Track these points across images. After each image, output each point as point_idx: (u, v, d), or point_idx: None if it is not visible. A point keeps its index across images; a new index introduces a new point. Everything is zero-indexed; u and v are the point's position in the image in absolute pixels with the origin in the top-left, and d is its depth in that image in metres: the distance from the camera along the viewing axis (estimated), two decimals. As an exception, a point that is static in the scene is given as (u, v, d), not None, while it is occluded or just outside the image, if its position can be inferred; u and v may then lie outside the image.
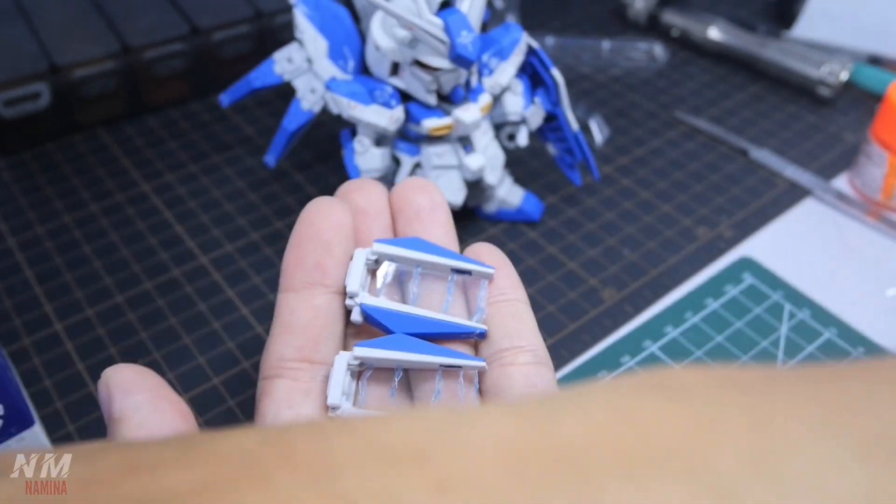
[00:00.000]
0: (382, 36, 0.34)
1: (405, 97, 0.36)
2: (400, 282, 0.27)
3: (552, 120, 0.40)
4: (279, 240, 0.40)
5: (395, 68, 0.36)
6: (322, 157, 0.45)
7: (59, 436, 0.31)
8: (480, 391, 0.25)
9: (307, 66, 0.38)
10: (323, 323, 0.25)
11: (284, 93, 0.41)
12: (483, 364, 0.25)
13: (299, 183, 0.44)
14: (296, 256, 0.25)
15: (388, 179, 0.38)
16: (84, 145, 0.46)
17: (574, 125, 0.40)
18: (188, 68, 0.48)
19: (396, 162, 0.38)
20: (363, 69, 0.37)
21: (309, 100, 0.38)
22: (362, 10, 0.36)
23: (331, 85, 0.36)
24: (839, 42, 0.54)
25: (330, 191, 0.43)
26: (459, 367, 0.25)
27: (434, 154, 0.37)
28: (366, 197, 0.28)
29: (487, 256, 0.27)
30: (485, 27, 0.38)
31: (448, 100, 0.36)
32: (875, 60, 0.53)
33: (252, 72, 0.40)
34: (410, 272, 0.27)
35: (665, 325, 0.36)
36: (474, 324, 0.26)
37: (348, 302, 0.25)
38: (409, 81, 0.35)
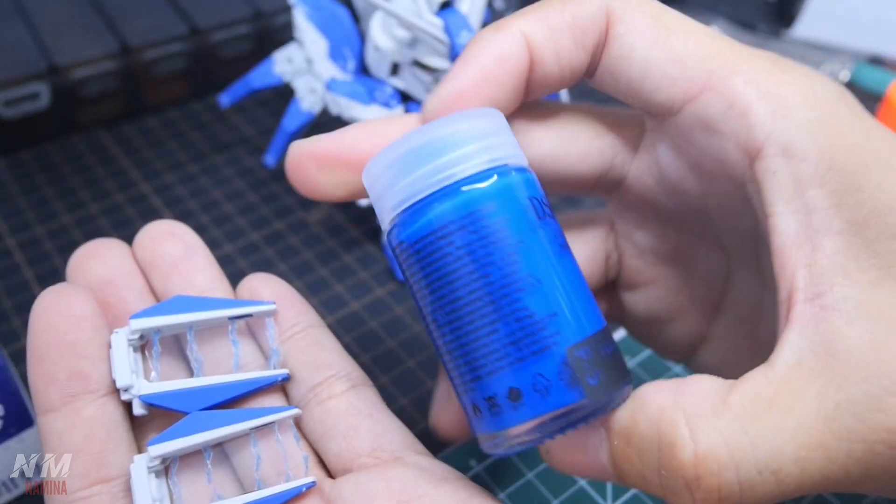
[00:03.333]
0: (382, 36, 0.34)
1: (405, 97, 0.36)
2: (179, 349, 0.24)
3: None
4: (279, 240, 0.40)
5: (395, 68, 0.36)
6: (322, 157, 0.45)
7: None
8: (304, 437, 0.23)
9: (307, 67, 0.38)
10: (103, 435, 0.22)
11: (284, 93, 0.41)
12: (296, 411, 0.23)
13: (299, 183, 0.44)
14: (43, 372, 0.22)
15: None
16: (83, 145, 0.46)
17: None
18: (188, 68, 0.48)
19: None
20: (363, 69, 0.37)
21: (308, 100, 0.38)
22: (362, 10, 0.36)
23: (331, 85, 0.36)
24: (839, 42, 0.54)
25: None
26: (271, 422, 0.22)
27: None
28: (105, 263, 0.24)
29: (264, 289, 0.24)
30: (485, 27, 0.38)
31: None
32: (875, 60, 0.53)
33: (251, 72, 0.40)
34: (185, 336, 0.24)
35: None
36: (273, 371, 0.23)
37: (124, 396, 0.22)
38: (408, 81, 0.35)
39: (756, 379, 0.18)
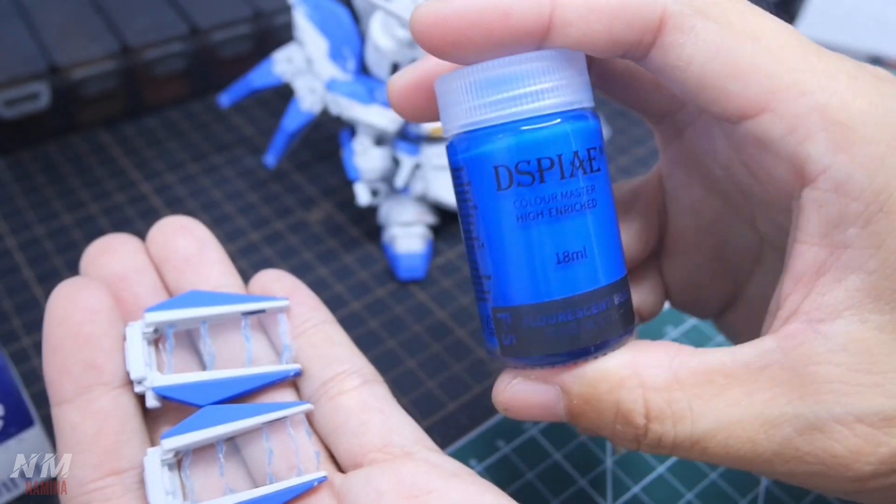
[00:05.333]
0: (382, 36, 0.34)
1: (405, 97, 0.36)
2: (192, 343, 0.24)
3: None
4: (279, 240, 0.40)
5: (395, 68, 0.36)
6: (322, 157, 0.45)
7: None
8: (316, 432, 0.23)
9: (307, 67, 0.38)
10: (116, 426, 0.22)
11: (284, 93, 0.41)
12: (308, 406, 0.23)
13: (299, 183, 0.44)
14: (58, 364, 0.22)
15: (388, 179, 0.38)
16: (84, 145, 0.46)
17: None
18: (188, 68, 0.48)
19: (396, 162, 0.38)
20: (363, 69, 0.37)
21: (308, 100, 0.38)
22: (362, 10, 0.36)
23: (330, 85, 0.36)
24: (839, 42, 0.54)
25: (330, 191, 0.43)
26: (283, 417, 0.23)
27: (434, 154, 0.37)
28: (119, 258, 0.24)
29: (276, 285, 0.25)
30: None
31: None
32: (875, 60, 0.53)
33: (251, 72, 0.40)
34: (199, 331, 0.24)
35: (665, 324, 0.36)
36: (285, 366, 0.23)
37: (138, 388, 0.22)
38: (408, 81, 0.35)
39: (712, 361, 0.19)
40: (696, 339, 0.35)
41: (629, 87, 0.23)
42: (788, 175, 0.19)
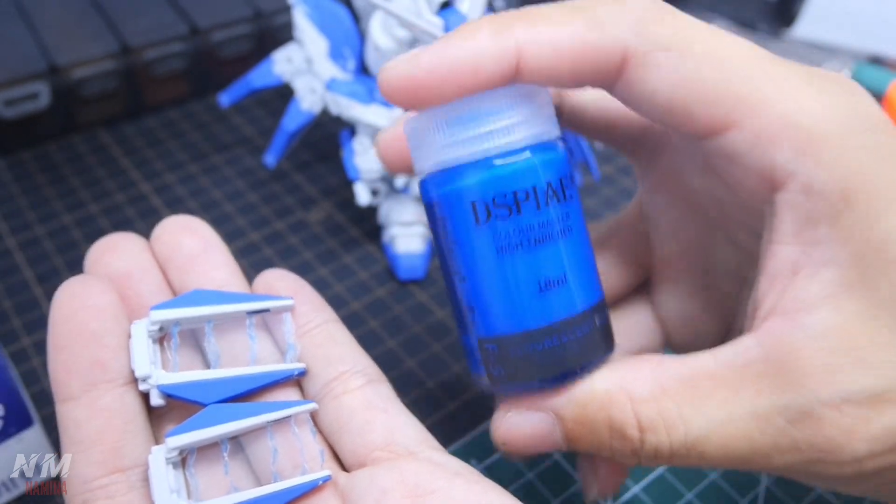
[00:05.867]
0: (382, 36, 0.34)
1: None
2: (196, 342, 0.24)
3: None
4: (279, 240, 0.40)
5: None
6: (322, 157, 0.45)
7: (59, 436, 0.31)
8: (320, 431, 0.23)
9: (307, 67, 0.38)
10: (121, 424, 0.22)
11: (284, 93, 0.41)
12: (313, 405, 0.23)
13: (299, 183, 0.44)
14: (64, 361, 0.22)
15: (387, 179, 0.38)
16: (84, 145, 0.46)
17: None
18: (188, 68, 0.48)
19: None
20: (363, 69, 0.37)
21: (308, 100, 0.38)
22: (362, 10, 0.36)
23: (331, 85, 0.36)
24: (839, 42, 0.54)
25: (330, 191, 0.43)
26: (288, 416, 0.23)
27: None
28: (123, 257, 0.24)
29: (281, 284, 0.25)
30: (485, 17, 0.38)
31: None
32: (876, 60, 0.53)
33: (251, 72, 0.40)
34: (203, 329, 0.24)
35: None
36: (290, 365, 0.24)
37: (142, 386, 0.22)
38: (408, 81, 0.35)
39: (695, 366, 0.20)
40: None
41: (599, 122, 0.24)
42: (758, 184, 0.20)
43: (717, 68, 0.19)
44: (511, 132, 0.20)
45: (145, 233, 0.26)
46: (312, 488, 0.22)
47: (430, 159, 0.20)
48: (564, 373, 0.20)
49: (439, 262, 0.22)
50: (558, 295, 0.20)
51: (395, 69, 0.20)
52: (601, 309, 0.21)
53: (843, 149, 0.18)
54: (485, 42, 0.19)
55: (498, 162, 0.20)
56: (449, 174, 0.20)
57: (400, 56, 0.20)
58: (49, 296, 0.37)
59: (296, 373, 0.24)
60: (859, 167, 0.18)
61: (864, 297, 0.18)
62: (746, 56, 0.19)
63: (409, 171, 0.23)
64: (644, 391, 0.20)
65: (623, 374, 0.20)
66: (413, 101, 0.20)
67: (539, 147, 0.20)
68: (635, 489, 0.29)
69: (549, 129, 0.21)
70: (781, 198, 0.19)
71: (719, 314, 0.26)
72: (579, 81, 0.20)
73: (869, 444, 0.18)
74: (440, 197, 0.20)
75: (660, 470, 0.30)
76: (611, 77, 0.20)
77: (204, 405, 0.23)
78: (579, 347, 0.20)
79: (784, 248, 0.19)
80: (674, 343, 0.27)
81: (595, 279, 0.21)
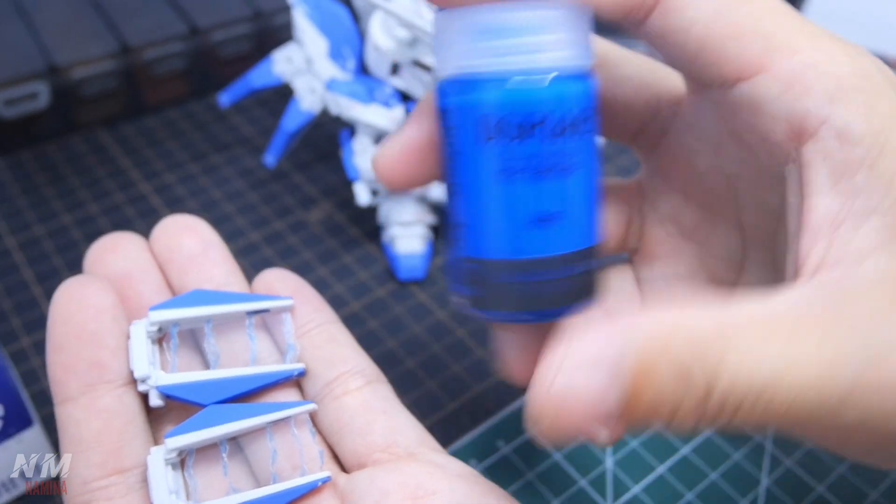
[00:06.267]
0: (382, 36, 0.34)
1: (405, 97, 0.36)
2: (196, 342, 0.24)
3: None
4: (278, 240, 0.40)
5: (395, 68, 0.36)
6: (322, 157, 0.45)
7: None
8: (320, 432, 0.23)
9: (307, 67, 0.38)
10: (120, 425, 0.22)
11: (284, 93, 0.41)
12: (312, 406, 0.23)
13: (299, 183, 0.44)
14: (63, 362, 0.22)
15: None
16: (83, 145, 0.46)
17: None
18: (187, 68, 0.48)
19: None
20: (363, 69, 0.37)
21: (308, 100, 0.38)
22: (362, 9, 0.36)
23: (330, 85, 0.36)
24: (839, 42, 0.54)
25: (330, 191, 0.43)
26: (287, 417, 0.23)
27: (434, 154, 0.37)
28: (123, 257, 0.24)
29: (280, 284, 0.25)
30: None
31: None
32: (875, 60, 0.53)
33: (251, 72, 0.40)
34: (203, 330, 0.24)
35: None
36: (289, 365, 0.24)
37: (141, 387, 0.22)
38: (408, 81, 0.35)
39: (753, 310, 0.18)
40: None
41: (611, 100, 0.23)
42: (785, 135, 0.19)
43: (752, 9, 0.19)
44: (536, 51, 0.19)
45: (145, 233, 0.26)
46: (312, 489, 0.22)
47: (450, 63, 0.19)
48: (540, 311, 0.20)
49: (442, 170, 0.21)
50: (552, 230, 0.19)
51: (383, 153, 0.20)
52: (594, 254, 0.20)
53: (873, 96, 0.18)
54: None
55: (516, 80, 0.19)
56: (465, 84, 0.19)
57: (389, 139, 0.20)
58: (48, 296, 0.37)
59: (295, 373, 0.24)
60: (891, 113, 0.18)
61: None
62: (776, 5, 0.20)
63: (411, 186, 0.23)
64: (710, 329, 0.17)
65: (684, 313, 0.18)
66: None
67: (563, 73, 0.19)
68: (635, 489, 0.29)
69: (578, 56, 0.19)
70: (813, 147, 0.19)
71: (708, 286, 0.25)
72: (617, 6, 0.19)
73: None
74: (453, 105, 0.19)
75: (660, 470, 0.30)
76: (649, 4, 0.19)
77: (203, 406, 0.23)
78: (561, 288, 0.19)
79: (822, 199, 0.19)
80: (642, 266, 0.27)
81: (594, 223, 0.20)
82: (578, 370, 0.17)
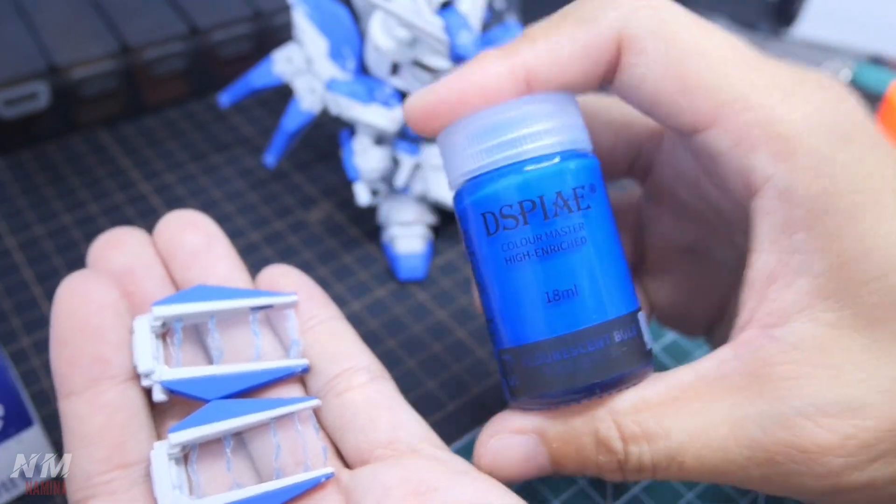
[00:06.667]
0: (382, 36, 0.34)
1: (405, 97, 0.36)
2: (199, 338, 0.24)
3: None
4: (278, 240, 0.40)
5: (395, 68, 0.36)
6: (322, 157, 0.45)
7: (59, 436, 0.31)
8: (323, 428, 0.23)
9: (307, 67, 0.38)
10: (123, 420, 0.22)
11: (284, 93, 0.41)
12: (316, 402, 0.23)
13: (299, 183, 0.44)
14: (66, 356, 0.22)
15: (387, 179, 0.38)
16: (83, 145, 0.46)
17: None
18: (187, 68, 0.48)
19: (396, 162, 0.38)
20: (363, 69, 0.37)
21: (308, 100, 0.38)
22: (362, 9, 0.36)
23: (330, 85, 0.36)
24: (840, 42, 0.54)
25: (330, 191, 0.43)
26: (291, 413, 0.23)
27: (434, 154, 0.37)
28: (126, 252, 0.24)
29: (284, 280, 0.25)
30: (485, 27, 0.38)
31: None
32: (876, 60, 0.53)
33: (251, 72, 0.40)
34: (206, 325, 0.24)
35: (665, 325, 0.36)
36: (293, 361, 0.24)
37: (145, 382, 0.22)
38: (408, 81, 0.35)
39: (674, 379, 0.20)
40: (676, 355, 0.35)
41: (600, 149, 0.24)
42: (739, 186, 0.20)
43: (702, 63, 0.19)
44: (513, 146, 0.20)
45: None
46: (315, 485, 0.22)
47: (456, 174, 0.21)
48: (583, 386, 0.20)
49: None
50: (568, 307, 0.20)
51: (415, 101, 0.21)
52: (625, 323, 0.20)
53: (822, 156, 0.18)
54: (495, 66, 0.20)
55: (501, 175, 0.20)
56: (467, 188, 0.21)
57: (418, 90, 0.21)
58: (48, 296, 0.37)
59: (299, 369, 0.24)
60: (838, 175, 0.18)
61: (841, 309, 0.18)
62: (731, 54, 0.20)
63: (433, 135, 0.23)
64: (626, 404, 0.20)
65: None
66: (436, 128, 0.21)
67: (542, 159, 0.20)
68: (635, 489, 0.29)
69: (570, 139, 0.21)
70: (758, 203, 0.19)
71: (712, 298, 0.26)
72: (587, 82, 0.21)
73: (845, 458, 0.18)
74: (460, 212, 0.21)
75: (660, 470, 0.30)
76: (612, 68, 0.20)
77: (207, 401, 0.23)
78: (592, 362, 0.20)
79: (762, 255, 0.19)
80: (662, 318, 0.28)
81: (618, 291, 0.20)
82: (512, 437, 0.21)
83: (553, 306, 0.20)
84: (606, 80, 0.21)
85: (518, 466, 0.21)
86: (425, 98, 0.21)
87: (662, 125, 0.21)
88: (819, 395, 0.18)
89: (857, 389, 0.18)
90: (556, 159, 0.20)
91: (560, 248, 0.20)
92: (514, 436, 0.21)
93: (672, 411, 0.20)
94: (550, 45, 0.20)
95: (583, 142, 0.21)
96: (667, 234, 0.26)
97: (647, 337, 0.21)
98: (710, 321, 0.27)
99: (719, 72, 0.19)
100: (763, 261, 0.19)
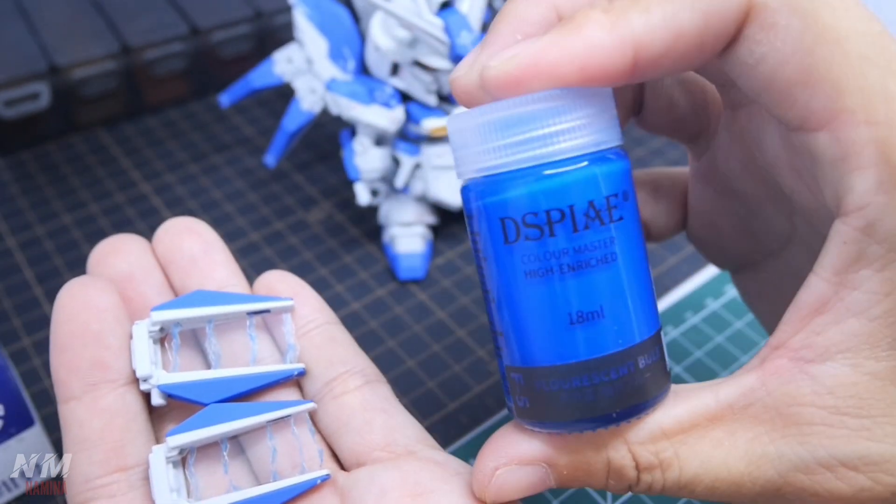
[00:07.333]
0: (382, 36, 0.34)
1: (405, 97, 0.36)
2: (197, 342, 0.25)
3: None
4: (279, 240, 0.40)
5: (395, 68, 0.36)
6: (322, 157, 0.45)
7: (59, 436, 0.31)
8: (319, 431, 0.24)
9: (307, 67, 0.38)
10: (122, 424, 0.22)
11: (284, 93, 0.41)
12: (311, 405, 0.23)
13: (299, 183, 0.44)
14: (66, 361, 0.22)
15: (387, 180, 0.38)
16: (84, 145, 0.46)
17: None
18: (188, 68, 0.48)
19: (396, 162, 0.38)
20: (363, 69, 0.37)
21: (308, 100, 0.38)
22: (362, 10, 0.36)
23: (331, 85, 0.36)
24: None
25: (330, 191, 0.43)
26: (287, 416, 0.23)
27: (434, 154, 0.37)
28: (125, 258, 0.24)
29: (281, 286, 0.25)
30: (485, 27, 0.38)
31: (448, 100, 0.36)
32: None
33: (251, 72, 0.40)
34: (204, 330, 0.24)
35: (665, 325, 0.36)
36: (289, 365, 0.24)
37: (143, 386, 0.23)
38: (409, 82, 0.35)
39: (696, 406, 0.19)
40: (696, 339, 0.35)
41: (666, 115, 0.23)
42: (830, 198, 0.18)
43: (836, 53, 0.16)
44: (542, 144, 0.17)
45: (145, 233, 0.26)
46: (311, 487, 0.22)
47: (468, 166, 0.19)
48: (600, 417, 0.18)
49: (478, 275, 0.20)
50: (593, 330, 0.18)
51: (494, 69, 0.17)
52: (649, 348, 0.19)
53: None
54: (599, 37, 0.17)
55: (527, 178, 0.18)
56: (485, 185, 0.18)
57: (500, 54, 0.17)
58: (49, 296, 0.37)
59: (295, 373, 0.24)
60: None
61: (889, 359, 0.17)
62: (872, 50, 0.16)
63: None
64: (644, 434, 0.19)
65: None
66: (506, 97, 0.18)
67: (573, 160, 0.18)
68: (635, 489, 0.29)
69: (601, 139, 0.18)
70: (840, 228, 0.17)
71: (750, 244, 0.25)
72: (701, 58, 0.17)
73: None
74: (474, 210, 0.19)
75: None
76: (731, 41, 0.17)
77: (204, 405, 0.23)
78: (614, 391, 0.18)
79: (819, 282, 0.18)
80: (692, 236, 0.27)
81: (643, 314, 0.19)
82: (520, 469, 0.20)
83: (575, 329, 0.18)
84: (710, 58, 0.18)
85: (524, 494, 0.20)
86: (508, 64, 0.17)
87: (765, 110, 0.18)
88: (844, 448, 0.18)
89: (884, 444, 0.17)
90: (587, 162, 0.18)
91: (588, 264, 0.18)
92: (521, 468, 0.20)
93: (691, 440, 0.19)
94: (665, 13, 0.16)
95: (616, 139, 0.19)
96: (710, 211, 0.25)
97: (667, 357, 0.20)
98: (743, 262, 0.26)
99: (850, 69, 0.16)
100: (820, 288, 0.18)
